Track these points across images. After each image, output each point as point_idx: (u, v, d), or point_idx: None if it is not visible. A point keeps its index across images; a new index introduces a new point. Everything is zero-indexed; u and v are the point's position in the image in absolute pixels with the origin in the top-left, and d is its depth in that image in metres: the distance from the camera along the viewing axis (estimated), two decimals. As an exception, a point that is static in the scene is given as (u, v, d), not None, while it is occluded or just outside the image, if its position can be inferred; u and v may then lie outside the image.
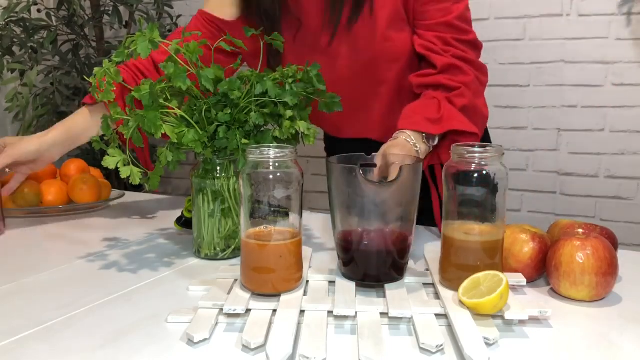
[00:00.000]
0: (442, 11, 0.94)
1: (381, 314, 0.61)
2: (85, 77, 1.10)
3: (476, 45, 0.97)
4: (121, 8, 2.11)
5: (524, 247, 0.71)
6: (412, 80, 0.96)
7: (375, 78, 1.01)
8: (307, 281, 0.70)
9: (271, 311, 0.61)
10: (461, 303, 0.62)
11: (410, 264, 0.74)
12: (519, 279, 0.69)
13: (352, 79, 1.01)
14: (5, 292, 0.71)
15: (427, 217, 0.96)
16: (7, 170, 0.98)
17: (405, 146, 0.82)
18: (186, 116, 0.75)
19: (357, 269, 0.69)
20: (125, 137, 0.75)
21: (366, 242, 0.68)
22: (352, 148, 0.81)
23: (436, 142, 0.89)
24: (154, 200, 1.28)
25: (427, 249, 0.80)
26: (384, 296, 0.65)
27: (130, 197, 1.29)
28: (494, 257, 0.67)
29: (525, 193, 2.01)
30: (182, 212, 0.95)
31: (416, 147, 0.84)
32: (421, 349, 0.55)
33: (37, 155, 0.98)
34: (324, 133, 1.21)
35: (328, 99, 0.81)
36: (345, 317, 0.61)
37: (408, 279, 0.70)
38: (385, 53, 0.98)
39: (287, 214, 0.67)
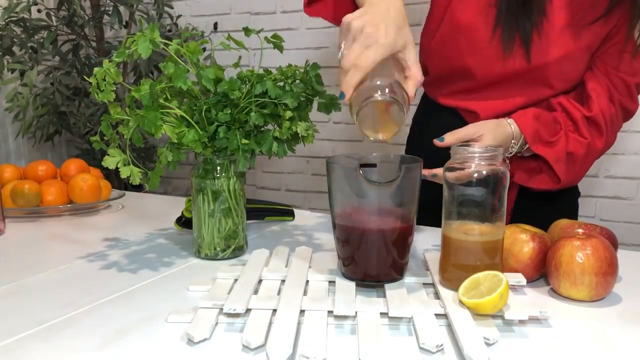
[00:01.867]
0: (631, 69, 0.93)
1: (381, 314, 0.61)
2: (85, 77, 1.10)
3: (629, 115, 0.98)
4: (121, 8, 2.10)
5: (524, 247, 0.71)
6: (561, 99, 0.96)
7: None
8: (307, 281, 0.70)
9: (271, 311, 0.61)
10: (461, 303, 0.62)
11: (410, 264, 0.74)
12: (519, 279, 0.69)
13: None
14: (5, 292, 0.72)
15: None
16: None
17: (505, 128, 0.88)
18: (186, 116, 0.75)
19: (357, 269, 0.69)
20: (125, 137, 0.75)
21: (366, 242, 0.68)
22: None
23: (522, 154, 0.93)
24: (154, 200, 1.28)
25: (427, 249, 0.80)
26: (384, 296, 0.65)
27: (130, 197, 1.29)
28: (494, 257, 0.67)
29: (525, 193, 2.01)
30: (182, 212, 0.95)
31: (513, 144, 0.90)
32: (421, 349, 0.55)
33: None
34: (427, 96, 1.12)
35: (327, 99, 0.81)
36: (345, 317, 0.61)
37: (408, 279, 0.70)
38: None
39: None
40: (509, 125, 0.91)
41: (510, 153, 0.92)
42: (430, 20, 1.02)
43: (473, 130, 0.87)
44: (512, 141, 0.91)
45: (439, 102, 1.05)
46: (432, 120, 1.09)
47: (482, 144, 0.84)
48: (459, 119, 1.01)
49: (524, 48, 0.91)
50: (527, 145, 0.92)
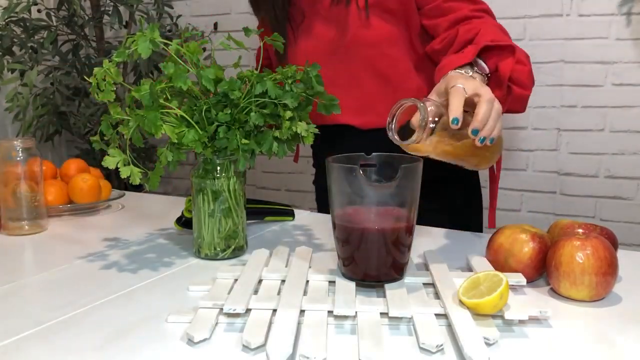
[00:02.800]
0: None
1: (381, 313, 0.61)
2: (85, 77, 1.10)
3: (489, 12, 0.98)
4: (121, 8, 2.10)
5: (524, 247, 0.71)
6: (430, 48, 0.97)
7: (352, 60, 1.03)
8: (307, 281, 0.70)
9: (271, 311, 0.61)
10: (461, 303, 0.62)
11: (410, 264, 0.74)
12: (519, 279, 0.69)
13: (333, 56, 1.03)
14: (5, 292, 0.72)
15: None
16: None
17: (462, 77, 0.78)
18: (186, 116, 0.75)
19: (357, 269, 0.69)
20: (125, 137, 0.75)
21: (366, 242, 0.68)
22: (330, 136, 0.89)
23: (487, 70, 0.86)
24: (154, 200, 1.28)
25: (427, 249, 0.80)
26: (384, 296, 0.65)
27: (130, 197, 1.29)
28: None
29: (525, 193, 2.01)
30: (182, 212, 0.95)
31: (473, 76, 0.82)
32: (421, 348, 0.55)
33: None
34: None
35: (327, 100, 0.81)
36: (345, 317, 0.61)
37: (408, 279, 0.70)
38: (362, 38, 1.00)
39: None
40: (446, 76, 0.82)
41: (487, 77, 0.86)
42: None
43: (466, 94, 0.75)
44: (470, 75, 0.83)
45: None
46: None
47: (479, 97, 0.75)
48: None
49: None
50: (475, 64, 0.86)
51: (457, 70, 0.82)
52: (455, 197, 1.11)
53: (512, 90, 0.86)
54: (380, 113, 0.90)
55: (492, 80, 0.86)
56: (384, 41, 1.00)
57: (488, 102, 0.72)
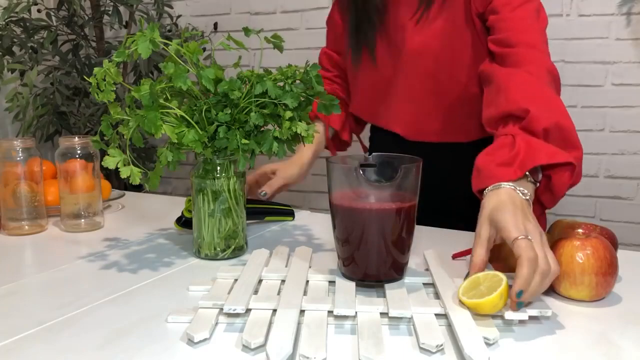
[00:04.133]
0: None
1: (381, 313, 0.61)
2: (85, 77, 1.10)
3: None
4: (121, 8, 2.10)
5: (524, 247, 0.71)
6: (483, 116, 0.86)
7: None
8: (307, 281, 0.70)
9: (271, 311, 0.61)
10: (461, 303, 0.62)
11: (410, 264, 0.74)
12: (519, 279, 0.69)
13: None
14: (5, 292, 0.72)
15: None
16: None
17: (512, 198, 0.68)
18: (186, 116, 0.75)
19: (357, 269, 0.69)
20: (125, 137, 0.75)
21: (366, 242, 0.68)
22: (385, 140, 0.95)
23: (539, 177, 0.75)
24: (154, 200, 1.28)
25: (427, 249, 0.80)
26: (384, 296, 0.65)
27: (130, 197, 1.29)
28: None
29: (525, 193, 2.01)
30: (182, 212, 0.95)
31: (523, 194, 0.69)
32: (421, 349, 0.55)
33: (298, 177, 1.15)
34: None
35: (327, 100, 0.81)
36: (345, 317, 0.61)
37: (408, 279, 0.70)
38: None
39: None
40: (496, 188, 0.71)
41: (538, 183, 0.76)
42: None
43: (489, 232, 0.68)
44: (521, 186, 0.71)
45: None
46: (373, 137, 1.26)
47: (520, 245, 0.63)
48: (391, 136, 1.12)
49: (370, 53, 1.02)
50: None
51: (508, 185, 0.70)
52: None
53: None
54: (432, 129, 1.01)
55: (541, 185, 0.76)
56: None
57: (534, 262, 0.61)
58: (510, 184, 0.70)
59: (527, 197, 0.69)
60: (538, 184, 0.75)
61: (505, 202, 0.67)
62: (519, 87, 0.81)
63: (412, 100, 1.06)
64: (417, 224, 0.72)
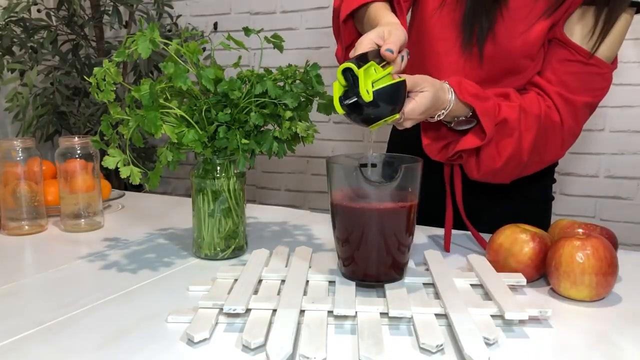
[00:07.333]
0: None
1: (381, 313, 0.61)
2: (85, 77, 1.10)
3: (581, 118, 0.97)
4: (121, 8, 2.10)
5: (524, 247, 0.71)
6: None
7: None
8: (307, 281, 0.70)
9: (271, 311, 0.61)
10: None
11: (410, 264, 0.74)
12: (519, 279, 0.69)
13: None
14: (5, 292, 0.72)
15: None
16: None
17: (445, 94, 0.81)
18: (186, 116, 0.75)
19: (357, 269, 0.69)
20: (125, 137, 0.75)
21: (366, 242, 0.67)
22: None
23: (462, 126, 0.87)
24: (154, 200, 1.28)
25: (427, 249, 0.80)
26: (384, 296, 0.65)
27: (130, 197, 1.29)
28: None
29: (525, 193, 2.01)
30: (357, 88, 0.67)
31: (449, 102, 0.82)
32: (421, 349, 0.55)
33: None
34: None
35: (327, 100, 0.81)
36: (345, 317, 0.61)
37: (408, 279, 0.70)
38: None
39: None
40: (448, 92, 0.84)
41: (432, 118, 0.84)
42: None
43: (419, 83, 0.78)
44: (442, 111, 0.83)
45: None
46: None
47: (419, 98, 0.76)
48: None
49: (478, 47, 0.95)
50: (455, 118, 0.86)
51: (450, 94, 0.83)
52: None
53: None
54: None
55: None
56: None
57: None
58: (454, 95, 0.83)
59: (447, 107, 0.83)
60: (453, 123, 0.88)
61: (440, 99, 0.80)
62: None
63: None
64: (417, 224, 0.72)
